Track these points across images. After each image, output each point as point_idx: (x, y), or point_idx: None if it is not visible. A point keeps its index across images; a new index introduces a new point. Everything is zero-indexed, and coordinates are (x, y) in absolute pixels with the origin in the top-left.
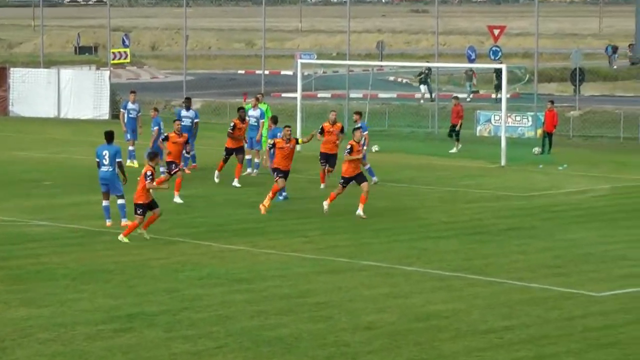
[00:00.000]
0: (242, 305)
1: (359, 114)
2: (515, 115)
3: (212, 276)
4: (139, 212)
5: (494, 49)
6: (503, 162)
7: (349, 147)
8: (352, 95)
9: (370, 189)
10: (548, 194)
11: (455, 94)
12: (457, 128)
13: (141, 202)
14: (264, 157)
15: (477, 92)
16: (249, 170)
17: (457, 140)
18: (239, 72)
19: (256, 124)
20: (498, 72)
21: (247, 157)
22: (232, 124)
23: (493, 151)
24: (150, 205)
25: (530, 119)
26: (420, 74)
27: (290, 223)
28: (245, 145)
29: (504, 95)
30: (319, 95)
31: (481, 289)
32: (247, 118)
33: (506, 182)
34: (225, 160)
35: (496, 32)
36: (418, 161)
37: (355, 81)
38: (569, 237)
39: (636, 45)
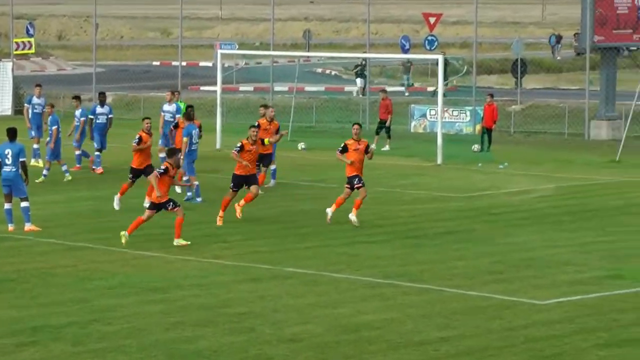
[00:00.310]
0: (156, 316)
1: (266, 106)
2: (453, 110)
3: (124, 285)
4: (150, 207)
5: (429, 38)
6: (439, 161)
7: (342, 145)
8: (277, 88)
9: (290, 191)
10: (488, 195)
11: (383, 87)
12: (388, 124)
13: (162, 201)
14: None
15: (412, 85)
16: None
17: (389, 137)
18: (154, 63)
19: (172, 119)
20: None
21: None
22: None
23: (429, 149)
24: (160, 206)
25: (468, 113)
26: (356, 66)
27: (209, 227)
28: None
29: (440, 88)
30: (241, 88)
31: (416, 298)
32: (162, 113)
33: (443, 182)
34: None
35: (432, 20)
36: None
37: (280, 73)
38: (510, 241)
39: (582, 35)
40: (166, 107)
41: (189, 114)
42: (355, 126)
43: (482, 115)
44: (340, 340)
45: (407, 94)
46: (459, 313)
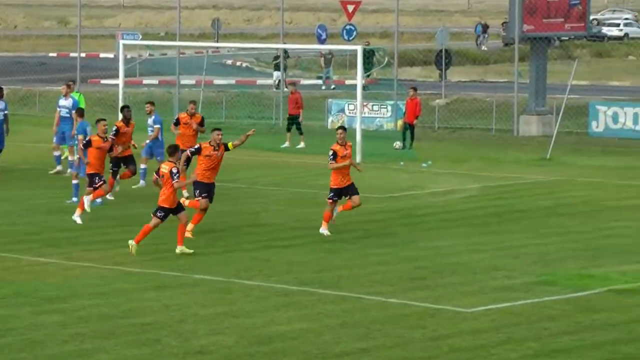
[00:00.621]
0: (53, 327)
1: (152, 104)
2: (373, 105)
3: (19, 294)
4: (159, 214)
5: (347, 27)
6: (358, 159)
7: (331, 152)
8: (183, 81)
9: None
10: (410, 195)
11: (293, 80)
12: (300, 119)
13: (167, 205)
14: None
15: (329, 78)
16: (59, 167)
17: (300, 133)
18: (51, 54)
19: (68, 115)
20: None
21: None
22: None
23: None
24: (177, 210)
25: (389, 108)
26: (276, 57)
27: (111, 231)
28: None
29: (359, 81)
30: (145, 81)
31: (333, 306)
32: (58, 109)
33: (362, 182)
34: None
35: (350, 8)
36: (261, 158)
37: (187, 65)
38: (434, 245)
39: (510, 24)
40: (62, 101)
41: (81, 110)
42: (339, 130)
43: (404, 110)
44: (253, 352)
45: (333, 87)
46: (380, 322)
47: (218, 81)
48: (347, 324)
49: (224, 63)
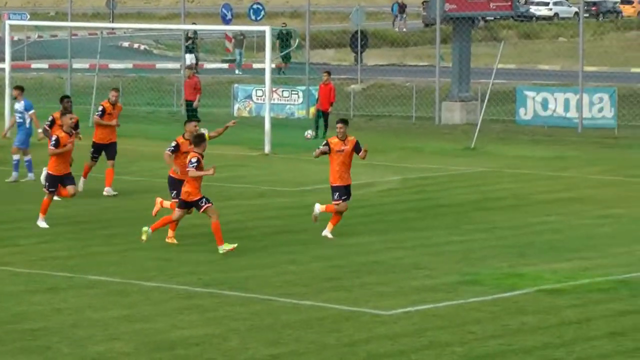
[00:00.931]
0: None
1: (20, 88)
2: (283, 91)
3: None
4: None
5: (254, 7)
6: (267, 149)
7: (325, 142)
8: (76, 65)
9: (92, 185)
10: (323, 189)
11: (191, 64)
12: (195, 104)
13: (194, 199)
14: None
15: (233, 61)
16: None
17: (198, 120)
18: None
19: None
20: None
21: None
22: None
23: (255, 135)
24: (194, 204)
25: (300, 94)
26: (187, 39)
27: None
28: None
29: (267, 65)
30: (33, 65)
31: (241, 309)
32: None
33: (272, 174)
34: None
35: None
36: (161, 149)
37: (80, 48)
38: (350, 242)
39: (431, 3)
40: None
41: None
42: (339, 124)
43: (316, 96)
44: (153, 359)
45: (240, 72)
46: (291, 326)
47: (114, 65)
48: (255, 328)
49: (120, 45)
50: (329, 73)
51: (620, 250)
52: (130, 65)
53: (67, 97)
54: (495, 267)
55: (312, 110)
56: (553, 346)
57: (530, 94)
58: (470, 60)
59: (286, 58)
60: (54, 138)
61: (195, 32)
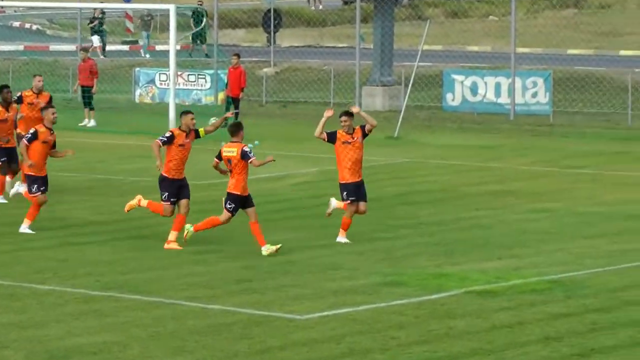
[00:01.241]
0: None
1: None
2: (189, 75)
3: None
4: (229, 207)
5: None
6: None
7: (330, 132)
8: None
9: None
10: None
11: (85, 46)
12: (93, 91)
13: (239, 192)
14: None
15: (136, 42)
16: None
17: (91, 108)
18: None
19: None
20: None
21: None
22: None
23: (159, 123)
24: (246, 201)
25: (208, 79)
26: (93, 19)
27: None
28: None
29: (172, 47)
30: None
31: (143, 314)
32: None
33: None
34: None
35: None
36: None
37: None
38: None
39: None
40: None
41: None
42: (343, 117)
43: (225, 81)
44: None
45: (147, 55)
46: (198, 332)
47: (3, 47)
48: (159, 334)
49: (10, 25)
50: (238, 55)
51: (554, 248)
52: (21, 47)
53: (6, 86)
54: (421, 267)
55: (221, 96)
56: (482, 352)
57: (458, 77)
58: (393, 41)
59: (201, 39)
60: (31, 132)
61: (102, 11)
